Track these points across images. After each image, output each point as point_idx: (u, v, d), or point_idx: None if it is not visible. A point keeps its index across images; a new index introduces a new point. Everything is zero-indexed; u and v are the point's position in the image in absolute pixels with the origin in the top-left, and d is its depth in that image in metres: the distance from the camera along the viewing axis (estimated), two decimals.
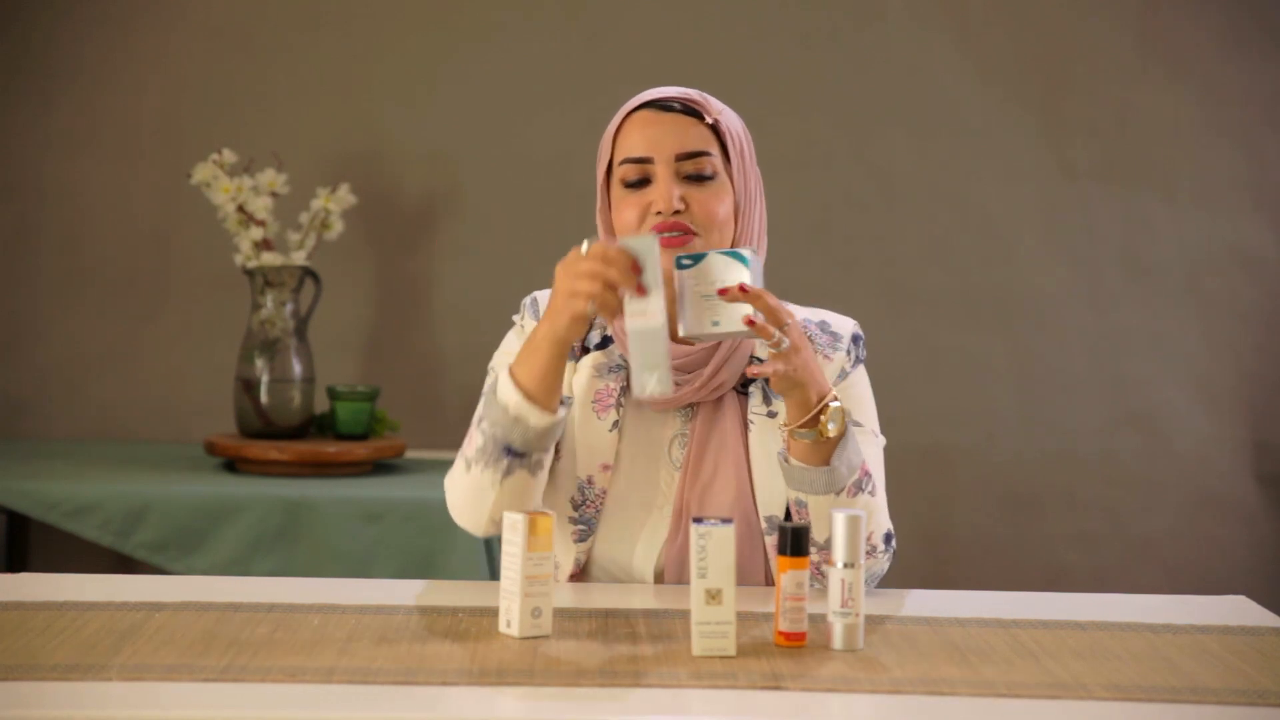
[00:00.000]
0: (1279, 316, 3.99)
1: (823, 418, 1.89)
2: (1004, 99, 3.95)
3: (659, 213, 1.97)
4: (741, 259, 1.83)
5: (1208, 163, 3.96)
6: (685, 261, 1.84)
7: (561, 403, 1.94)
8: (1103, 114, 3.96)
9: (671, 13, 3.92)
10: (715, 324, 1.84)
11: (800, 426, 1.89)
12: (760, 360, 2.02)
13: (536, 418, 1.90)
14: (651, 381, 1.82)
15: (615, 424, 2.03)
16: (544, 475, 1.96)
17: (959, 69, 3.94)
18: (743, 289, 1.81)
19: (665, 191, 1.97)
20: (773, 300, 1.84)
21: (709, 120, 2.00)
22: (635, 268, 1.81)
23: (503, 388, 1.91)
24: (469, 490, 1.95)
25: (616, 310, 1.82)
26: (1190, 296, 3.98)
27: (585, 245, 1.84)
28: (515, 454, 1.92)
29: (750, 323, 1.82)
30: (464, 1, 3.92)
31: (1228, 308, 3.98)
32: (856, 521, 1.71)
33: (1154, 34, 3.94)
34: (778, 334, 1.84)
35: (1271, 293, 3.98)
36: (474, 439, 1.94)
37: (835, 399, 1.90)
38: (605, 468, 2.02)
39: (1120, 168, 3.97)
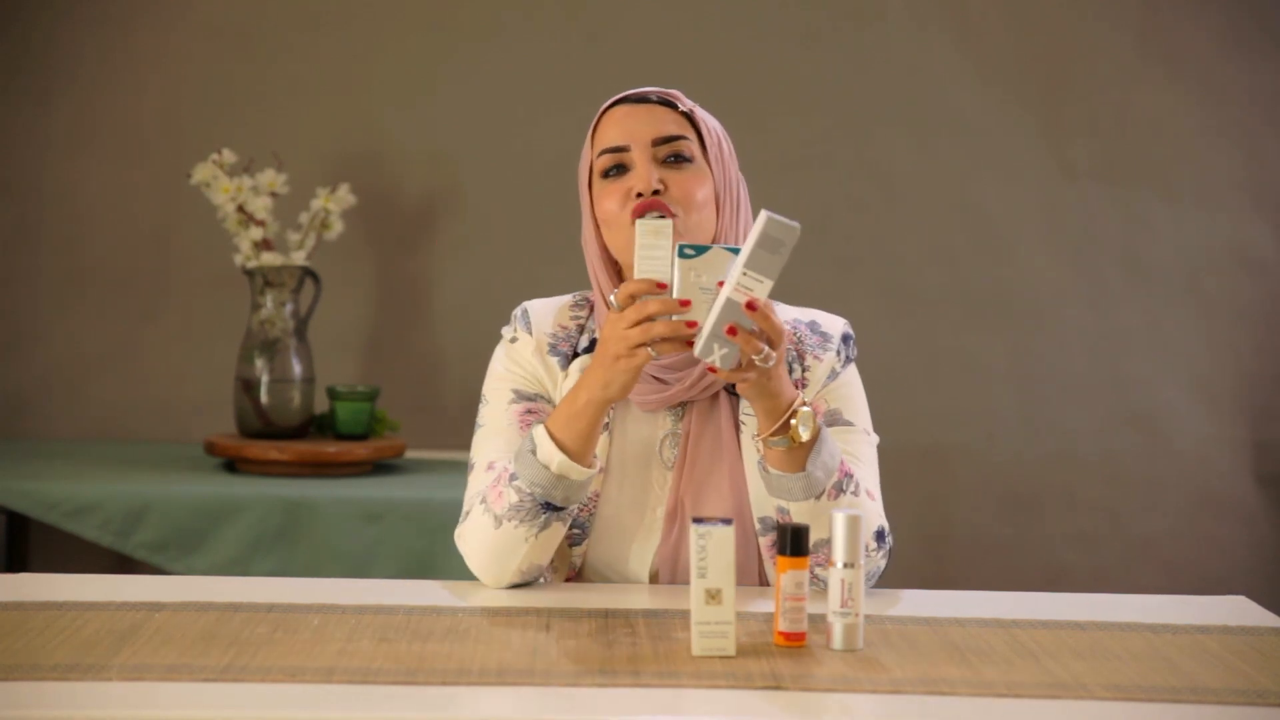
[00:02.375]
0: (1279, 316, 3.99)
1: (793, 422, 1.88)
2: (1004, 99, 3.95)
3: (639, 195, 1.97)
4: None
5: (1208, 163, 3.97)
6: (688, 251, 1.82)
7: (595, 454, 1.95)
8: (1103, 114, 3.96)
9: (671, 13, 3.92)
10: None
11: (772, 434, 1.89)
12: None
13: (579, 473, 1.91)
14: (719, 353, 1.80)
15: (605, 426, 2.03)
16: (569, 520, 1.97)
17: (959, 69, 3.95)
18: (751, 306, 1.79)
19: (644, 173, 1.97)
20: (776, 320, 1.81)
21: (683, 108, 2.01)
22: (662, 285, 1.82)
23: (544, 449, 1.90)
24: (498, 546, 1.94)
25: (680, 338, 1.81)
26: (1190, 296, 3.98)
27: (613, 300, 1.84)
28: (555, 509, 1.93)
29: (733, 332, 1.79)
30: (464, 1, 3.92)
31: (1228, 308, 3.98)
32: (856, 521, 1.71)
33: (1154, 34, 3.94)
34: (766, 351, 1.82)
35: (1271, 293, 3.98)
36: (505, 496, 1.93)
37: (804, 404, 1.89)
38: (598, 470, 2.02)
39: (1120, 168, 3.97)
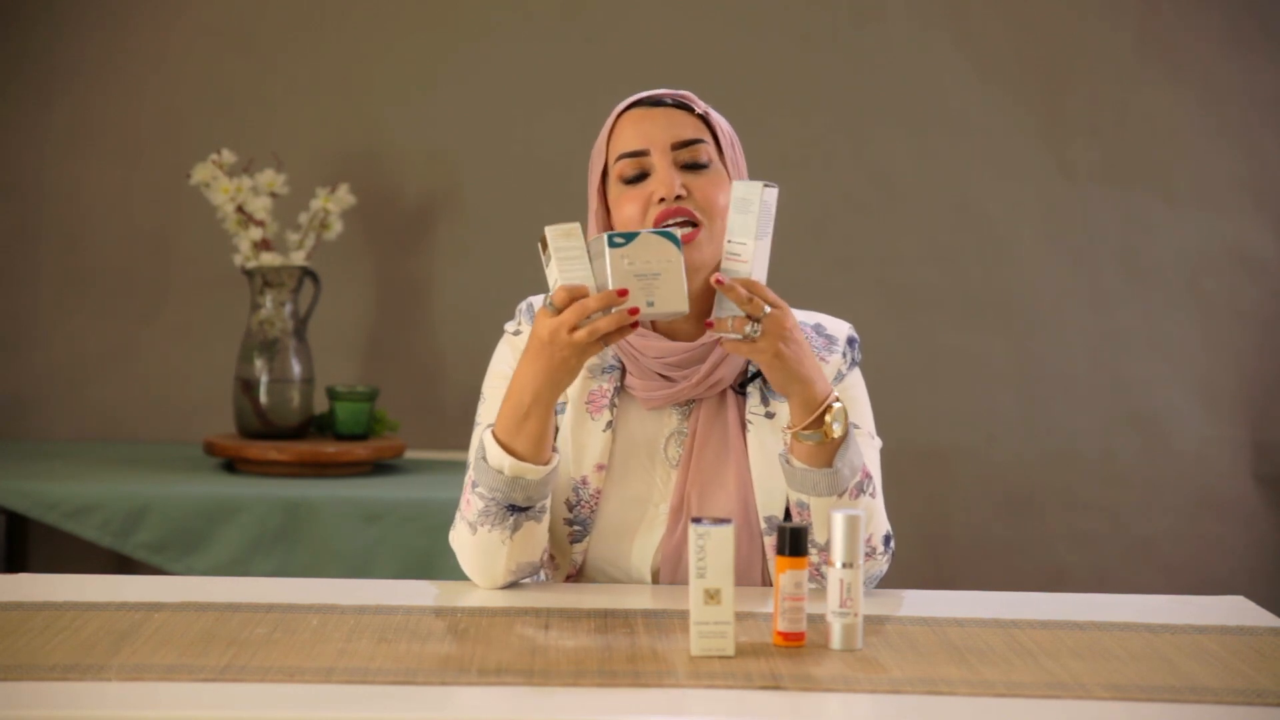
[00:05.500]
0: (1279, 316, 3.99)
1: (827, 418, 1.89)
2: (1004, 99, 3.95)
3: (661, 200, 1.97)
4: (674, 240, 1.83)
5: (1208, 163, 3.96)
6: (618, 240, 1.82)
7: (554, 449, 1.95)
8: (1103, 114, 3.96)
9: (671, 13, 3.92)
10: (650, 304, 1.82)
11: (805, 428, 1.89)
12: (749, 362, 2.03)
13: (534, 473, 1.91)
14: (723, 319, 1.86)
15: (609, 424, 2.03)
16: (548, 516, 1.96)
17: (959, 69, 3.94)
18: (718, 282, 1.84)
19: (666, 179, 1.97)
20: (742, 291, 1.84)
21: (699, 111, 2.02)
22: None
23: (493, 455, 1.90)
24: (479, 552, 1.95)
25: (624, 327, 1.82)
26: (1190, 296, 3.98)
27: (546, 301, 1.84)
28: (520, 509, 1.92)
29: (709, 325, 1.85)
30: (463, 1, 3.92)
31: (1228, 308, 3.98)
32: (855, 521, 1.71)
33: (1154, 34, 3.94)
34: (734, 320, 1.85)
35: (1271, 293, 3.98)
36: (473, 503, 1.93)
37: (837, 399, 1.90)
38: (600, 468, 2.02)
39: (1120, 168, 3.97)
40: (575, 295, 1.82)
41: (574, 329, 1.82)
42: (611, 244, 1.82)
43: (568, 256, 1.83)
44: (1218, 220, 3.97)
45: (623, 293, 1.81)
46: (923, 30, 3.95)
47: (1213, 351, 3.98)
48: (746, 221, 1.86)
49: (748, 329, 1.85)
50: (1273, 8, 3.94)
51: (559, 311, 1.83)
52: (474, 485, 1.93)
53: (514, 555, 1.94)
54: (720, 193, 1.98)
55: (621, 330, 1.82)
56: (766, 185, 1.87)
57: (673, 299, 1.83)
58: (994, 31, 3.95)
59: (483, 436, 1.93)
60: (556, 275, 1.84)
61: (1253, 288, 3.98)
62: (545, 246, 1.84)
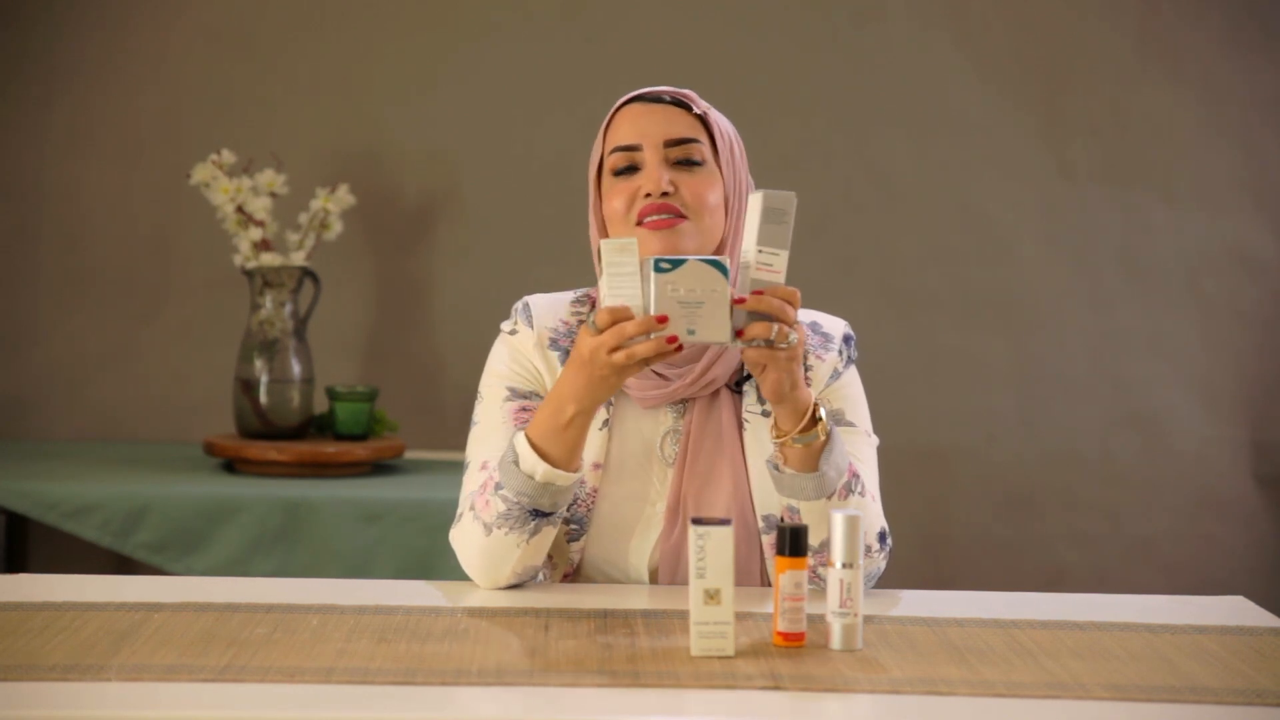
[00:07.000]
0: (1279, 316, 3.99)
1: (820, 418, 1.89)
2: (1004, 99, 3.95)
3: (647, 195, 1.97)
4: (721, 268, 1.80)
5: (1207, 163, 3.96)
6: (664, 265, 1.80)
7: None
8: (1103, 114, 3.96)
9: (671, 13, 3.92)
10: (691, 332, 1.80)
11: (800, 432, 1.89)
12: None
13: (565, 479, 1.90)
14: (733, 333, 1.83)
15: (605, 423, 2.03)
16: (560, 521, 1.97)
17: (959, 69, 3.94)
18: (758, 293, 1.80)
19: (654, 174, 1.97)
20: (775, 303, 1.81)
21: (697, 111, 2.01)
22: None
23: (526, 460, 1.90)
24: (490, 553, 1.94)
25: (663, 354, 1.80)
26: (1190, 297, 3.98)
27: (589, 320, 1.83)
28: (543, 514, 1.92)
29: (740, 333, 1.81)
30: (463, 1, 3.92)
31: (1228, 308, 3.98)
32: (855, 521, 1.71)
33: (1154, 34, 3.94)
34: (779, 328, 1.81)
35: (1271, 293, 3.98)
36: (493, 505, 1.92)
37: (817, 402, 1.90)
38: (596, 467, 2.02)
39: (1120, 168, 3.97)
40: (618, 317, 1.80)
41: (614, 350, 1.81)
42: (657, 269, 1.79)
43: (618, 272, 1.81)
44: (1218, 220, 3.97)
45: (662, 319, 1.79)
46: (923, 30, 3.95)
47: (1213, 351, 3.99)
48: (781, 232, 1.83)
49: (791, 336, 1.82)
50: (1273, 8, 3.94)
51: (600, 331, 1.82)
52: (498, 487, 1.92)
53: (524, 559, 1.94)
54: (710, 192, 1.98)
55: (661, 355, 1.80)
56: (789, 193, 1.85)
57: (715, 329, 1.80)
58: (994, 31, 3.95)
59: (514, 441, 1.92)
60: (605, 291, 1.82)
61: (1253, 288, 3.98)
62: (599, 259, 1.83)
